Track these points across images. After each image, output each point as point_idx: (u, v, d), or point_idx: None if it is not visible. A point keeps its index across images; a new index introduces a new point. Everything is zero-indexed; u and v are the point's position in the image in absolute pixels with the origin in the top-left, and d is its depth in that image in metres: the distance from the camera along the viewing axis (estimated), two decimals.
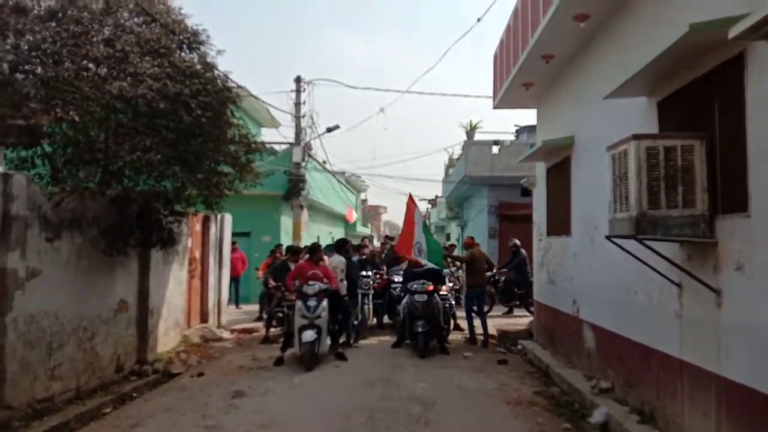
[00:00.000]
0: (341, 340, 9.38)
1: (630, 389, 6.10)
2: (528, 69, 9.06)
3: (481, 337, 10.24)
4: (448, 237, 29.74)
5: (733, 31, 3.50)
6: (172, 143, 6.90)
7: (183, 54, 7.46)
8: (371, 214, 58.09)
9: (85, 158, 7.25)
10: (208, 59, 7.60)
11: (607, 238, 5.32)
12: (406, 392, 6.83)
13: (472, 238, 11.92)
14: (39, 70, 6.76)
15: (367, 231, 40.60)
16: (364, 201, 46.38)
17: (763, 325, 3.90)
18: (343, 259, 10.15)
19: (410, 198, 11.11)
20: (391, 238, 18.10)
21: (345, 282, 9.79)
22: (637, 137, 4.71)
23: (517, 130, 21.88)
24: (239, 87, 13.78)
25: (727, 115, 4.48)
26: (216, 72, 7.75)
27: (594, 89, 7.18)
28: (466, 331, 10.66)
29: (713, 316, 4.53)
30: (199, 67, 7.55)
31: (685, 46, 4.48)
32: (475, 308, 10.50)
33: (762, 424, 3.88)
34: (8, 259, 5.40)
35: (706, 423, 4.56)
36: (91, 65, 7.02)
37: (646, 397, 5.68)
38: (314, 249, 9.24)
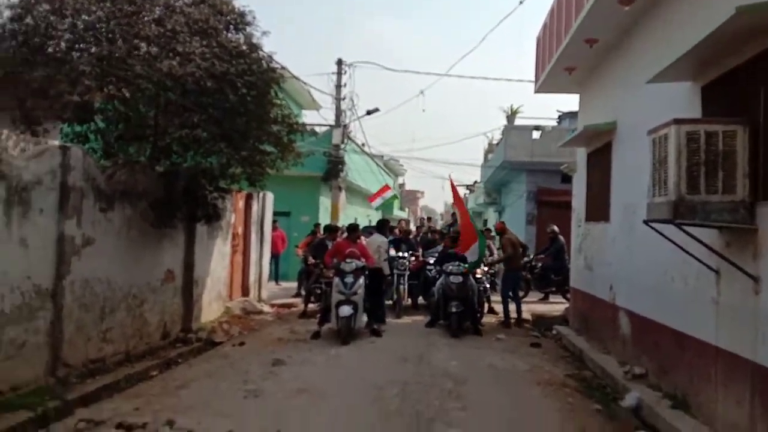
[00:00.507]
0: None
1: (663, 375, 6.10)
2: (571, 53, 8.97)
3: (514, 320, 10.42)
4: (485, 222, 29.59)
5: None
6: (218, 121, 7.15)
7: (230, 34, 7.67)
8: (409, 198, 58.19)
9: (135, 134, 7.56)
10: (254, 40, 7.80)
11: (645, 222, 5.32)
12: (438, 369, 6.99)
13: (503, 223, 12.14)
14: (94, 48, 7.06)
15: (404, 215, 40.73)
16: (402, 185, 46.45)
17: None
18: (384, 239, 10.43)
19: (451, 182, 11.20)
20: (429, 219, 18.23)
21: (386, 261, 10.06)
22: (677, 121, 4.69)
23: (559, 116, 21.56)
24: (282, 68, 14.05)
25: None
26: (261, 53, 7.95)
27: (637, 74, 7.09)
28: (501, 315, 10.76)
29: (751, 303, 4.51)
30: (245, 47, 7.75)
31: (731, 30, 4.42)
32: (510, 293, 10.63)
33: None
34: (66, 227, 5.74)
35: (739, 410, 4.56)
36: (142, 44, 7.28)
37: (680, 384, 5.68)
38: (352, 228, 9.53)
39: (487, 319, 10.68)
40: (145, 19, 7.29)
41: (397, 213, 37.11)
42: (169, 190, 7.50)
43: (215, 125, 7.13)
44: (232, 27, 7.78)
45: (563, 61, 9.44)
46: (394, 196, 26.34)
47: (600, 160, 9.12)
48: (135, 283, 7.03)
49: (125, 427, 4.59)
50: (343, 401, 5.63)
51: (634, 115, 7.50)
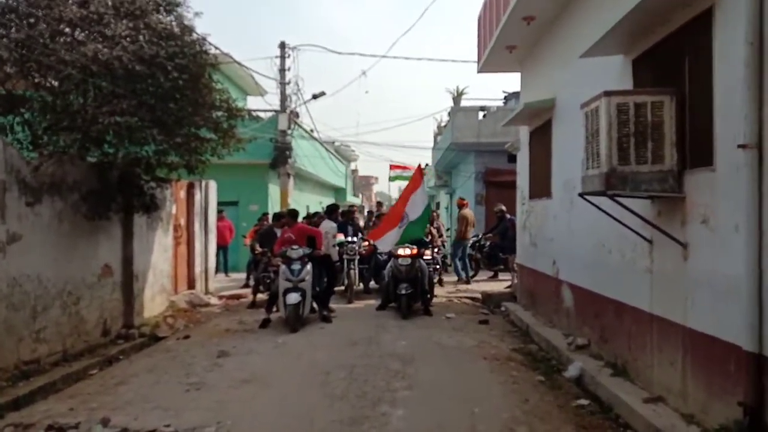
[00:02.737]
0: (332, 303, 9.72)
1: (604, 345, 6.26)
2: (510, 31, 9.02)
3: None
4: (437, 205, 29.81)
5: None
6: (150, 107, 6.87)
7: (159, 16, 7.36)
8: (362, 184, 58.02)
9: (64, 124, 7.21)
10: (186, 22, 7.52)
11: (580, 195, 5.40)
12: (386, 350, 6.99)
13: (462, 199, 14.30)
14: (13, 33, 6.67)
15: (357, 201, 40.62)
16: (355, 171, 46.24)
17: (722, 275, 4.02)
18: (334, 224, 10.41)
19: (419, 170, 11.16)
20: (380, 205, 18.21)
21: (336, 247, 10.05)
22: (607, 94, 4.75)
23: (505, 97, 21.75)
24: (223, 54, 13.67)
25: (696, 70, 4.53)
26: (194, 35, 7.67)
27: (574, 50, 7.15)
28: (450, 295, 10.96)
29: (680, 269, 4.65)
30: (176, 29, 7.47)
31: (655, 2, 4.50)
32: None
33: (720, 368, 4.04)
34: None
35: (673, 372, 4.71)
36: (66, 28, 6.93)
37: (619, 352, 5.84)
38: (290, 214, 9.74)
39: (438, 300, 10.74)
40: (69, 1, 6.93)
41: (351, 199, 36.97)
42: (102, 181, 7.21)
43: (147, 111, 6.86)
44: (162, 8, 7.46)
45: (503, 39, 9.48)
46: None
47: (541, 137, 9.24)
48: (69, 279, 6.74)
49: (56, 428, 4.39)
50: (288, 388, 5.56)
51: (571, 91, 7.60)
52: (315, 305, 9.03)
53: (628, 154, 4.68)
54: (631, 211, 5.03)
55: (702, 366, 4.32)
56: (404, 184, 19.12)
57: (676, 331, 4.70)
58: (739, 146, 3.79)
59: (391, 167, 22.18)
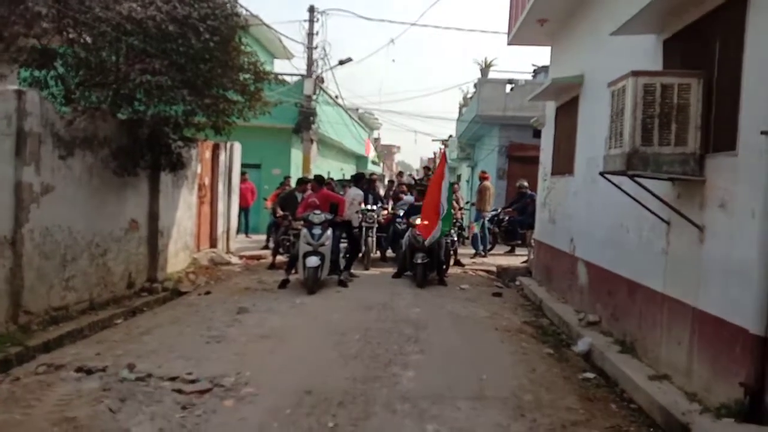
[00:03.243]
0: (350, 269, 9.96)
1: (615, 322, 6.35)
2: (543, 4, 8.90)
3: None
4: (459, 178, 29.75)
5: None
6: (181, 67, 7.00)
7: None
8: (384, 152, 57.94)
9: (96, 80, 7.37)
10: None
11: (601, 174, 5.44)
12: (400, 315, 7.19)
13: (484, 172, 14.39)
14: None
15: (378, 169, 40.65)
16: (377, 139, 46.19)
17: (736, 260, 4.07)
18: (359, 191, 10.66)
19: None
20: (401, 174, 18.28)
21: (360, 214, 10.38)
22: (635, 74, 4.75)
23: (534, 70, 21.46)
24: (252, 15, 13.68)
25: (726, 54, 4.49)
26: None
27: (605, 27, 7.07)
28: (465, 267, 11.08)
29: (696, 252, 4.70)
30: None
31: None
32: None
33: (725, 349, 4.13)
34: (24, 174, 5.64)
35: (680, 351, 4.81)
36: None
37: (629, 329, 5.93)
38: (317, 180, 9.82)
39: (453, 271, 10.88)
40: None
41: (371, 167, 37.03)
42: (131, 138, 7.39)
43: (178, 71, 6.98)
44: None
45: (535, 12, 9.36)
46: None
47: (568, 113, 9.19)
48: (97, 231, 6.98)
49: (85, 370, 4.65)
50: (305, 346, 5.78)
51: (600, 69, 7.53)
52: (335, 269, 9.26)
53: (652, 135, 4.70)
54: (651, 193, 5.07)
55: (708, 347, 4.41)
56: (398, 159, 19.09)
57: (686, 312, 4.77)
58: (763, 132, 3.80)
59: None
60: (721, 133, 4.50)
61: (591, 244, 7.46)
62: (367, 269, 10.85)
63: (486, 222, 13.53)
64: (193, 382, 4.46)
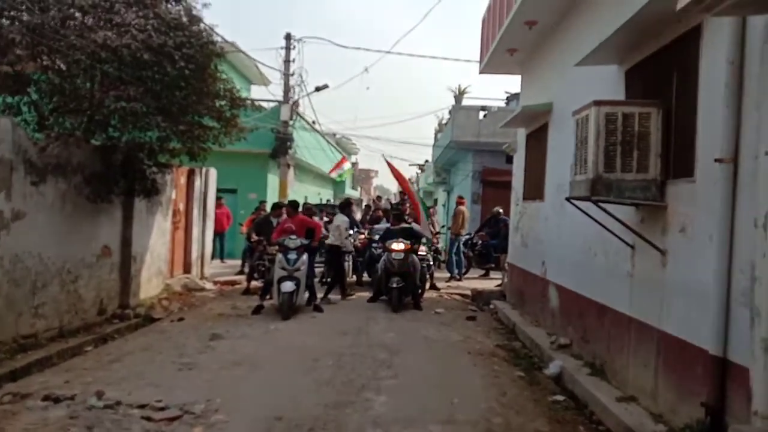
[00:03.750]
0: (331, 294, 10.24)
1: (585, 345, 6.46)
2: (512, 35, 9.18)
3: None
4: (435, 202, 29.99)
5: (680, 3, 3.69)
6: (156, 94, 7.05)
7: (169, 5, 7.53)
8: (362, 177, 58.11)
9: (70, 107, 7.38)
10: (194, 12, 7.68)
11: (567, 199, 5.59)
12: (374, 340, 7.21)
13: (461, 197, 14.94)
14: (25, 16, 6.83)
15: (356, 194, 40.76)
16: (355, 164, 46.36)
17: (696, 282, 4.21)
18: (345, 218, 10.80)
19: (388, 163, 11.44)
20: (379, 199, 18.40)
21: (349, 240, 10.65)
22: (597, 103, 4.93)
23: (507, 98, 21.90)
24: (227, 42, 13.78)
25: (683, 85, 4.70)
26: (202, 25, 7.84)
27: (572, 57, 7.31)
28: (441, 291, 11.18)
29: (659, 275, 4.84)
30: (185, 19, 7.63)
31: (647, 16, 4.67)
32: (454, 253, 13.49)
33: (688, 370, 4.24)
34: None
35: (646, 373, 4.91)
36: (77, 14, 7.08)
37: (598, 352, 6.04)
38: (291, 205, 9.95)
39: (429, 295, 10.95)
40: None
41: (350, 192, 37.13)
42: (105, 164, 7.39)
43: (153, 98, 7.03)
44: None
45: (505, 42, 9.64)
46: (351, 170, 27.48)
47: (538, 140, 9.42)
48: (69, 258, 6.92)
49: (52, 398, 4.58)
50: (277, 372, 5.76)
51: (567, 98, 7.77)
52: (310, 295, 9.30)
53: (614, 162, 4.86)
54: (614, 218, 5.23)
55: (672, 368, 4.52)
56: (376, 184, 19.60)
57: (651, 334, 4.90)
58: (716, 160, 3.98)
59: (335, 167, 23.21)
60: (680, 160, 4.69)
61: (561, 267, 7.60)
62: (348, 295, 10.83)
63: (461, 246, 13.68)
64: (162, 409, 4.42)
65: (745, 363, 3.64)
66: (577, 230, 6.80)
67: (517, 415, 4.73)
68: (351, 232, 11.75)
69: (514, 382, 5.75)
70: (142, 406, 4.47)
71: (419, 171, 38.53)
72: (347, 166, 23.13)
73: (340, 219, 10.67)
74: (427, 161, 31.39)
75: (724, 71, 3.95)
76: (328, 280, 11.96)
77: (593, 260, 6.36)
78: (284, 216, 9.97)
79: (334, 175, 23.87)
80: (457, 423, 4.50)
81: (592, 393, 5.21)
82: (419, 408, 4.79)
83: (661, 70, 5.10)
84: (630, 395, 5.06)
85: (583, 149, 5.11)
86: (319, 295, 9.74)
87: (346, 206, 11.44)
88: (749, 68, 3.83)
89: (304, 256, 8.83)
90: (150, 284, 9.10)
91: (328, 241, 10.62)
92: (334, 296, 10.22)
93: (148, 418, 4.23)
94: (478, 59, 11.98)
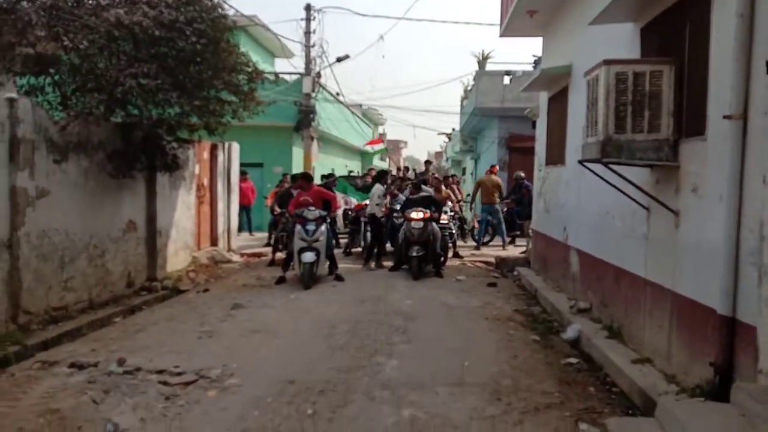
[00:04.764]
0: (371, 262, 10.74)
1: (604, 309, 6.43)
2: None
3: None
4: (463, 171, 29.78)
5: None
6: (170, 70, 7.13)
7: None
8: (391, 148, 57.91)
9: (90, 86, 7.52)
10: None
11: (580, 162, 5.52)
12: (392, 308, 7.30)
13: (494, 166, 14.65)
14: None
15: (384, 165, 40.70)
16: (383, 135, 46.20)
17: (707, 242, 4.15)
18: (381, 187, 11.04)
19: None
20: (407, 169, 18.36)
21: (381, 207, 10.79)
22: (607, 62, 4.82)
23: (535, 61, 21.41)
24: (245, 16, 13.82)
25: (696, 40, 4.56)
26: None
27: (591, 16, 7.11)
28: (464, 259, 11.18)
29: (672, 236, 4.78)
30: None
31: None
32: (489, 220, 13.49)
33: (699, 330, 4.21)
34: (18, 179, 5.81)
35: (660, 334, 4.89)
36: None
37: (616, 315, 6.01)
38: (304, 177, 10.04)
39: (452, 263, 10.97)
40: None
41: (377, 163, 37.10)
42: (126, 141, 7.56)
43: (168, 75, 7.11)
44: None
45: (524, 3, 9.40)
46: (384, 149, 27.64)
47: (559, 104, 9.24)
48: (95, 233, 7.15)
49: (77, 366, 4.82)
50: (294, 339, 5.92)
51: (586, 58, 7.53)
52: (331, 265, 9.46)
53: (625, 123, 4.77)
54: (626, 180, 5.14)
55: (685, 329, 4.49)
56: (406, 154, 19.51)
57: (665, 296, 4.85)
58: (725, 117, 3.87)
59: (371, 142, 23.18)
60: (692, 119, 4.57)
61: (582, 232, 7.53)
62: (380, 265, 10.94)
63: (485, 215, 13.60)
64: (179, 374, 4.61)
65: (753, 322, 3.60)
66: (596, 194, 6.71)
67: (526, 377, 4.77)
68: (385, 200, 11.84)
69: (528, 346, 5.78)
70: (160, 372, 4.67)
71: (447, 140, 38.17)
72: (380, 146, 23.42)
73: (377, 189, 10.87)
74: (454, 129, 31.06)
75: (733, 25, 3.81)
76: (351, 251, 12.17)
77: (611, 224, 6.29)
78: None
79: (369, 148, 24.12)
80: (465, 385, 4.56)
81: (607, 355, 5.21)
82: (429, 371, 4.87)
83: (674, 26, 4.94)
84: (645, 357, 5.05)
85: (594, 110, 5.02)
86: (342, 264, 9.86)
87: (381, 176, 11.60)
88: (759, 22, 3.69)
89: (323, 227, 8.93)
90: (177, 257, 9.35)
91: (368, 211, 10.85)
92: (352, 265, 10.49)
93: (165, 383, 4.42)
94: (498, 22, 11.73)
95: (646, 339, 5.22)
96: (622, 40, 6.02)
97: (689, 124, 4.62)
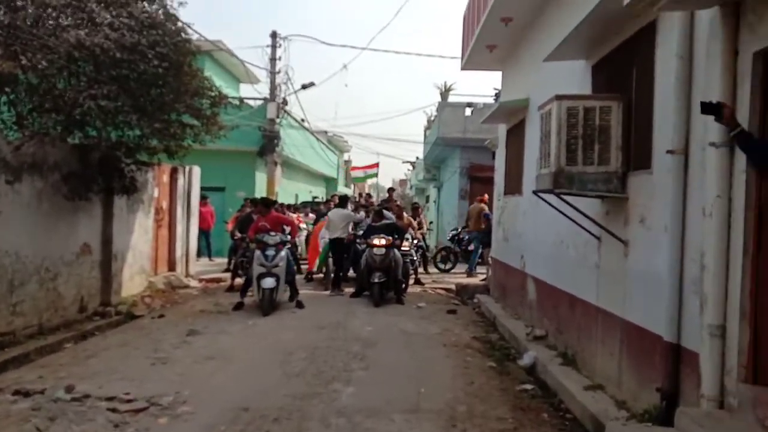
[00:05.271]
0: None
1: (559, 336, 6.56)
2: (490, 31, 9.25)
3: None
4: (427, 198, 30.09)
5: None
6: (131, 92, 7.09)
7: (144, 4, 7.57)
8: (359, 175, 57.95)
9: (48, 106, 7.41)
10: (170, 10, 7.71)
11: (534, 192, 5.68)
12: (351, 334, 7.29)
13: (483, 195, 14.54)
14: None
15: (348, 191, 40.78)
16: (348, 161, 46.36)
17: (653, 271, 4.31)
18: (348, 211, 11.33)
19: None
20: (369, 196, 18.46)
21: (351, 231, 10.95)
22: (559, 98, 5.02)
23: (496, 94, 21.98)
24: (209, 42, 13.85)
25: (642, 78, 4.80)
26: (179, 23, 7.87)
27: (546, 53, 7.40)
28: (425, 286, 11.28)
29: (621, 265, 4.94)
30: (162, 17, 7.67)
31: (604, 12, 4.76)
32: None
33: (647, 357, 4.35)
34: None
35: (612, 361, 5.02)
36: (52, 13, 7.12)
37: (570, 342, 6.14)
38: (263, 202, 10.04)
39: (413, 290, 11.03)
40: None
41: (342, 189, 37.17)
42: (83, 163, 7.43)
43: (129, 97, 7.08)
44: None
45: (483, 38, 9.71)
46: (375, 174, 27.73)
47: (516, 136, 9.51)
48: (48, 256, 6.97)
49: (23, 393, 4.65)
50: (249, 365, 5.84)
51: (542, 92, 7.81)
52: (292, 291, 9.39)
53: (576, 155, 4.96)
54: (578, 210, 5.32)
55: (634, 356, 4.62)
56: (371, 182, 19.72)
57: (616, 323, 5.00)
58: (668, 152, 4.07)
59: (352, 168, 23.44)
60: (640, 153, 4.78)
61: (538, 260, 7.70)
62: (327, 289, 10.99)
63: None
64: (130, 401, 4.50)
65: (696, 348, 3.73)
66: (551, 224, 6.88)
67: (481, 404, 4.82)
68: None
69: (484, 372, 5.84)
70: (110, 399, 4.55)
71: (411, 168, 38.59)
72: (373, 171, 23.63)
73: (344, 212, 11.05)
74: (417, 158, 31.46)
75: (674, 65, 4.04)
76: (312, 276, 12.13)
77: (566, 253, 6.46)
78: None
79: (360, 173, 24.23)
80: (421, 412, 4.58)
81: (561, 382, 5.30)
82: (386, 398, 4.87)
83: (622, 65, 5.20)
84: (597, 383, 5.15)
85: (547, 143, 5.20)
86: (303, 290, 9.82)
87: (344, 201, 11.75)
88: (697, 62, 3.93)
89: (283, 252, 8.89)
90: (132, 282, 9.16)
91: (331, 235, 10.85)
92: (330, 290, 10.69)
93: (114, 410, 4.31)
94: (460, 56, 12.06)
95: (598, 366, 5.34)
96: (575, 77, 6.28)
97: (637, 157, 4.83)
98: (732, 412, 3.40)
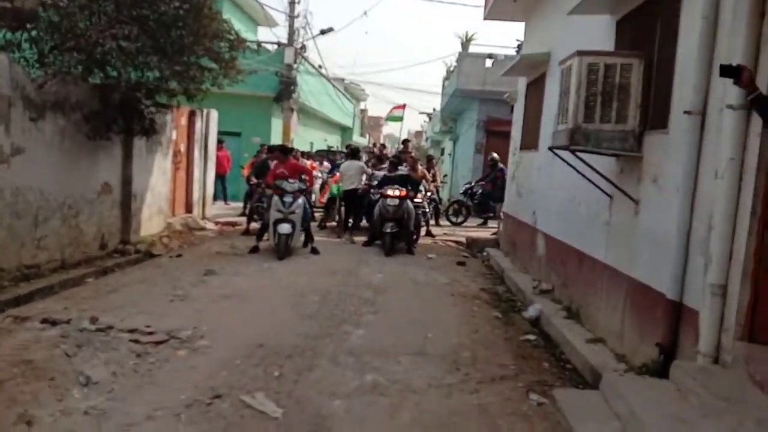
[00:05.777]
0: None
1: (565, 290, 6.70)
2: None
3: None
4: (442, 151, 29.96)
5: None
6: (152, 34, 7.10)
7: None
8: (371, 124, 57.75)
9: (69, 45, 7.44)
10: None
11: (550, 149, 5.71)
12: (362, 281, 7.49)
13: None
14: None
15: (364, 141, 40.65)
16: (364, 111, 46.05)
17: (662, 231, 4.38)
18: (360, 162, 11.45)
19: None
20: (384, 147, 18.43)
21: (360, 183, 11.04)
22: (580, 53, 4.98)
23: (518, 45, 21.55)
24: None
25: (665, 37, 4.74)
26: None
27: (570, 5, 7.27)
28: (436, 237, 11.42)
29: (631, 223, 5.01)
30: None
31: None
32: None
33: (649, 313, 4.47)
34: None
35: (615, 316, 5.15)
36: None
37: (575, 297, 6.28)
38: (281, 149, 10.07)
39: (424, 241, 11.19)
40: None
41: (357, 139, 37.04)
42: (104, 103, 7.51)
43: (149, 38, 7.08)
44: None
45: None
46: (401, 117, 27.25)
47: (536, 90, 9.42)
48: (70, 193, 7.15)
49: (50, 321, 4.91)
50: (264, 305, 6.07)
51: (564, 46, 7.70)
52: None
53: (594, 113, 4.95)
54: (592, 168, 5.35)
55: (637, 312, 4.75)
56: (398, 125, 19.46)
57: (621, 280, 5.11)
58: (685, 112, 4.08)
59: (394, 108, 22.79)
60: (657, 112, 4.78)
61: (549, 217, 7.77)
62: (339, 237, 11.18)
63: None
64: (151, 333, 4.74)
65: (697, 307, 3.85)
66: (565, 181, 6.92)
67: (484, 350, 5.01)
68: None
69: (490, 322, 6.02)
70: (131, 331, 4.79)
71: (428, 119, 38.26)
72: (401, 112, 23.22)
73: (357, 164, 11.11)
74: (435, 109, 31.15)
75: (699, 26, 4.00)
76: (326, 224, 12.33)
77: (577, 210, 6.52)
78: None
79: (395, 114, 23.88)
80: (426, 355, 4.78)
81: (564, 334, 5.46)
82: (393, 341, 5.07)
83: (646, 22, 5.12)
84: (599, 337, 5.31)
85: (566, 99, 5.18)
86: (316, 237, 10.01)
87: (356, 152, 11.78)
88: (722, 24, 3.88)
89: (300, 200, 9.02)
90: (151, 222, 9.38)
91: (344, 187, 10.93)
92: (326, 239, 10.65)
93: (136, 341, 4.55)
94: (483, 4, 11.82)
95: (601, 320, 5.49)
96: (599, 32, 6.18)
97: (654, 117, 4.83)
98: (725, 368, 3.54)
